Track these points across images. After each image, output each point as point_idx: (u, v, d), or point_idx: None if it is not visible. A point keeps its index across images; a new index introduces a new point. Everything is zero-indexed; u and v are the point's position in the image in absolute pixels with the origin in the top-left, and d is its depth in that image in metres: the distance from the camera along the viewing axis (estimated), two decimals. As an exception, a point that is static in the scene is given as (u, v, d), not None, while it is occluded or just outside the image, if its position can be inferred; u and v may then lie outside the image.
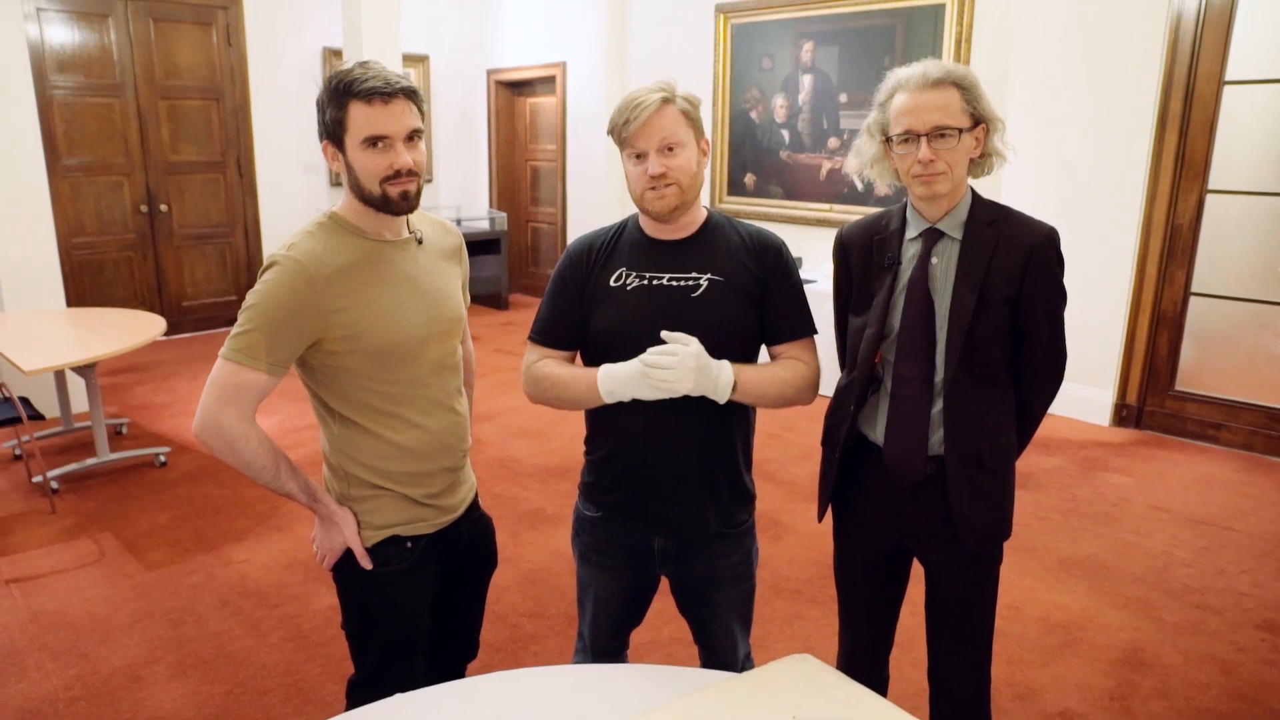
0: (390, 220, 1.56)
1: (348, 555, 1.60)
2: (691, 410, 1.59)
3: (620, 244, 1.68)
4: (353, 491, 1.59)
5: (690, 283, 1.61)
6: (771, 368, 1.63)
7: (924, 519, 1.67)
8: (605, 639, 1.84)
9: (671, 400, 1.55)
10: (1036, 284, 1.58)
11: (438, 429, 1.61)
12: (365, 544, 1.59)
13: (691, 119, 1.59)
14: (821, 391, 1.70)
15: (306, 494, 1.55)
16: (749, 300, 1.62)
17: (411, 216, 1.62)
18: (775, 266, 1.64)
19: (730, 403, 1.60)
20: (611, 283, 1.64)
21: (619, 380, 1.54)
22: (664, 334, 1.54)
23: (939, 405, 1.62)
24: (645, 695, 1.31)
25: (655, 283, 1.61)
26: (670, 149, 1.56)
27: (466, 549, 1.75)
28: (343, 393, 1.55)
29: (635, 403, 1.58)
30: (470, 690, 1.38)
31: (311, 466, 1.58)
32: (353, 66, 1.46)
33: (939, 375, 1.61)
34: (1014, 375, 1.67)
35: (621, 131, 1.57)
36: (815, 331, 1.69)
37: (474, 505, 1.78)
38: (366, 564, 1.59)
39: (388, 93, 1.44)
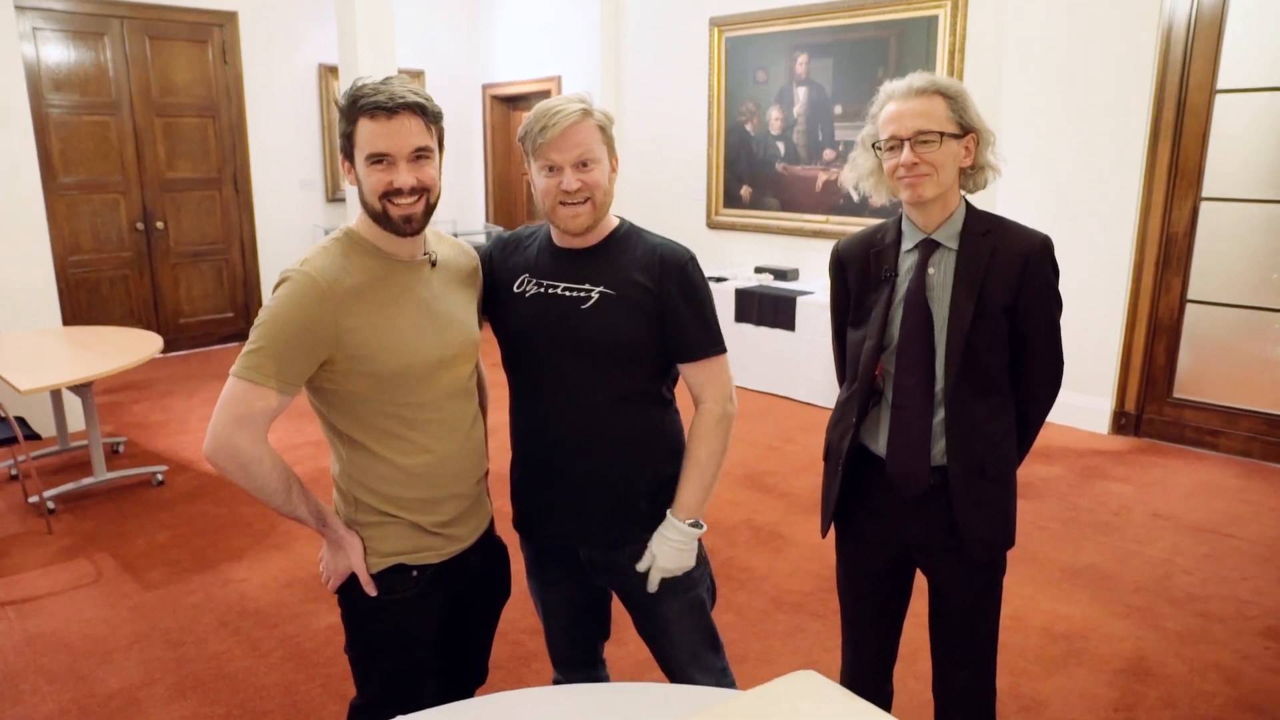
0: (405, 240, 1.51)
1: (353, 579, 1.57)
2: (583, 419, 1.60)
3: (532, 248, 1.67)
4: (360, 517, 1.56)
5: (582, 294, 1.58)
6: (690, 462, 1.61)
7: (928, 530, 1.67)
8: (565, 650, 1.84)
9: (560, 405, 1.60)
10: (1033, 292, 1.59)
11: (450, 454, 1.57)
12: (370, 570, 1.55)
13: (607, 134, 1.56)
14: (822, 403, 1.70)
15: (316, 517, 1.51)
16: (645, 316, 1.56)
17: (429, 237, 1.59)
18: (673, 282, 1.57)
19: (633, 415, 1.61)
20: (514, 288, 1.63)
21: None
22: (640, 567, 1.62)
23: (940, 415, 1.62)
24: (648, 716, 1.30)
25: (551, 291, 1.60)
26: (585, 164, 1.52)
27: (476, 579, 1.70)
28: (353, 415, 1.51)
29: (530, 405, 1.63)
30: (473, 712, 1.37)
31: (309, 485, 1.57)
32: (371, 81, 1.44)
33: (939, 385, 1.62)
34: (1013, 383, 1.67)
35: (536, 139, 1.51)
36: (722, 349, 1.63)
37: (488, 534, 1.72)
38: (371, 591, 1.56)
39: (390, 108, 1.41)
